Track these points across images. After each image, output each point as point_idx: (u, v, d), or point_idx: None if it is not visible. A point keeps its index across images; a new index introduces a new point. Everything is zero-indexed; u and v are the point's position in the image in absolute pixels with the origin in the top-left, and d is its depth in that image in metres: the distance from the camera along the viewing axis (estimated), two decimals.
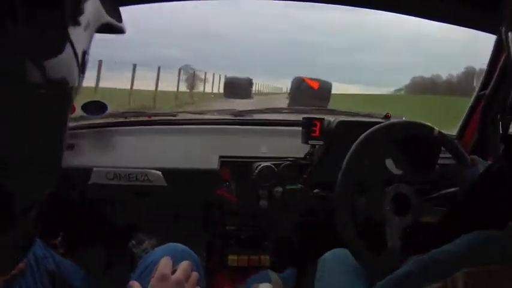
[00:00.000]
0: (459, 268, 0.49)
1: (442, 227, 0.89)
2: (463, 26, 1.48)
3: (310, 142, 1.40)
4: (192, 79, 16.44)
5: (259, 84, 25.35)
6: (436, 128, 1.02)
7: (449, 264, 0.53)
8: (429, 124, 1.03)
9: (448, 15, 1.39)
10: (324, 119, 1.40)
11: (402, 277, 0.60)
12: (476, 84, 1.56)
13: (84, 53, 0.32)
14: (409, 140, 1.16)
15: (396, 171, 1.29)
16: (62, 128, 0.33)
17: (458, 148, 1.06)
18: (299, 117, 1.63)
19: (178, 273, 0.81)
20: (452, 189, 1.11)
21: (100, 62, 9.50)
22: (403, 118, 1.57)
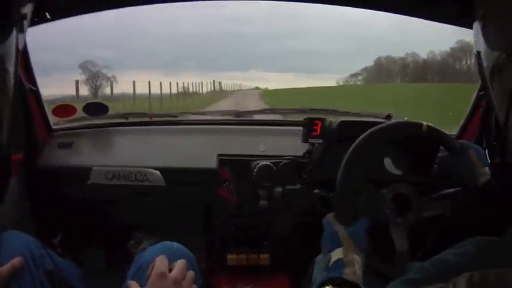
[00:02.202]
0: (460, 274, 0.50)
1: (447, 229, 0.88)
2: (463, 27, 1.47)
3: (310, 141, 1.40)
4: (95, 80, 12.98)
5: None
6: (425, 123, 1.01)
7: (450, 273, 0.53)
8: (417, 121, 1.02)
9: (448, 16, 1.39)
10: (325, 119, 1.40)
11: (407, 284, 0.60)
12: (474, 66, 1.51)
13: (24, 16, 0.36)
14: (407, 140, 1.15)
15: (395, 171, 1.29)
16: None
17: (448, 139, 1.05)
18: (299, 117, 1.63)
19: (176, 272, 0.82)
20: (452, 190, 1.10)
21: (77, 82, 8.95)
22: (405, 118, 1.56)
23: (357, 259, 0.81)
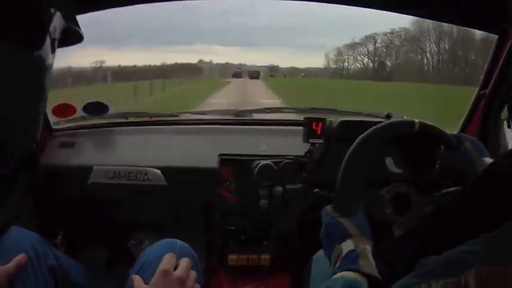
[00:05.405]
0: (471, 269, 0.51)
1: (449, 226, 0.88)
2: (464, 26, 1.48)
3: (310, 141, 1.40)
4: None
5: None
6: (417, 121, 1.01)
7: (462, 267, 0.53)
8: (409, 119, 1.02)
9: (449, 16, 1.40)
10: (325, 119, 1.40)
11: (420, 277, 0.60)
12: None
13: (54, 40, 0.41)
14: (404, 138, 1.15)
15: (396, 170, 1.29)
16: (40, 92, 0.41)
17: (442, 133, 1.05)
18: (299, 116, 1.64)
19: (180, 271, 0.83)
20: (453, 188, 1.11)
21: None
22: (404, 117, 1.56)
23: (368, 248, 0.80)
